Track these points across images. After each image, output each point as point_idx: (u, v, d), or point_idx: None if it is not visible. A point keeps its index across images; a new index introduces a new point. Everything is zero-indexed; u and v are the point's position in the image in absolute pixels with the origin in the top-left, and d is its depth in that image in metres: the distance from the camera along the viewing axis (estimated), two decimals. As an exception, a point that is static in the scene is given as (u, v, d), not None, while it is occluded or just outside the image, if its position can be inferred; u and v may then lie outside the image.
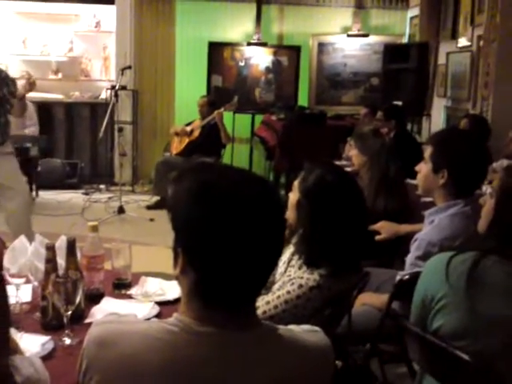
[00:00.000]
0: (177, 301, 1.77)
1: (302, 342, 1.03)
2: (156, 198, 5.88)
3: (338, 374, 1.71)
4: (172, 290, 1.83)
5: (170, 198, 0.99)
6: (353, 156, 2.99)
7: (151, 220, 5.35)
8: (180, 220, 0.96)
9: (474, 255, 1.45)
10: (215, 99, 6.30)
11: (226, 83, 7.26)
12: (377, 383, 2.25)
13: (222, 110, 5.96)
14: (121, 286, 1.91)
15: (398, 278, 2.01)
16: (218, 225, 0.91)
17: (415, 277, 1.70)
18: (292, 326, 1.07)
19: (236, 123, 6.75)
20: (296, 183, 1.80)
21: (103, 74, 7.12)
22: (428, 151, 2.11)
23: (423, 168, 2.12)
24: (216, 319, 0.95)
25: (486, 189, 1.72)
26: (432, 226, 2.04)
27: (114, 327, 0.97)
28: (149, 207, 5.83)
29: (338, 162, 3.72)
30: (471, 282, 1.41)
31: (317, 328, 1.09)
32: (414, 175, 2.82)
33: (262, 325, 1.01)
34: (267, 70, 7.35)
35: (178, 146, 6.13)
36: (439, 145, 2.08)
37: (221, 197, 0.93)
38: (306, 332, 1.06)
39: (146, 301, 1.80)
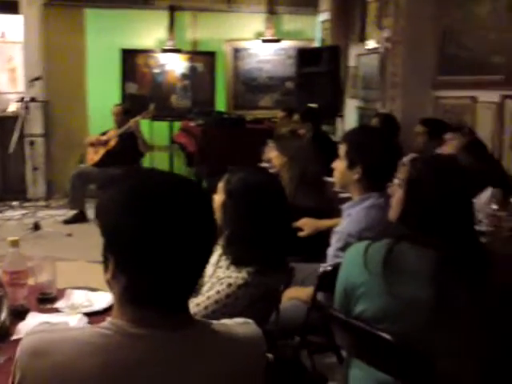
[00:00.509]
0: (105, 311, 1.75)
1: (236, 334, 1.06)
2: (73, 212, 5.71)
3: (270, 367, 1.76)
4: (99, 300, 1.81)
5: (98, 206, 0.99)
6: (273, 157, 3.07)
7: (69, 235, 5.18)
8: (109, 227, 0.96)
9: (388, 242, 1.54)
10: (130, 107, 6.22)
11: (141, 91, 7.18)
12: (307, 374, 2.32)
13: (139, 118, 5.90)
14: (46, 301, 1.86)
15: (321, 270, 2.09)
16: (148, 230, 0.92)
17: (337, 268, 1.78)
18: (225, 320, 1.10)
19: (154, 131, 6.70)
20: (220, 185, 1.84)
21: (10, 86, 6.84)
22: (342, 149, 2.21)
23: (339, 165, 2.23)
24: (149, 320, 0.96)
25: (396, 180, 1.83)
26: (350, 218, 2.14)
27: (46, 336, 0.96)
28: (66, 222, 5.64)
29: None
30: (387, 268, 1.51)
31: (249, 320, 1.13)
32: (331, 173, 2.92)
33: (195, 322, 1.03)
34: (183, 76, 7.35)
35: (93, 156, 5.98)
36: (352, 142, 2.19)
37: (149, 202, 0.94)
38: (238, 325, 1.10)
39: (73, 313, 1.76)
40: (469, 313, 1.47)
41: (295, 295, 2.32)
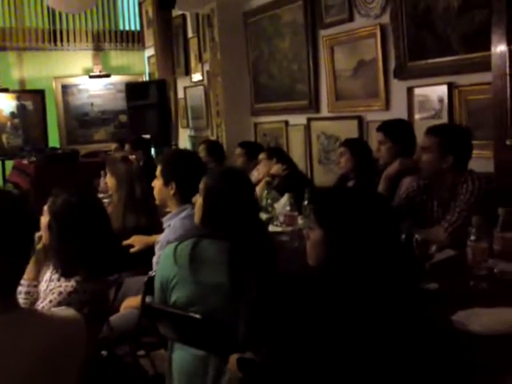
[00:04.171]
0: None
1: (58, 316, 1.31)
2: None
3: (105, 365, 1.99)
4: None
5: None
6: (107, 181, 3.32)
7: None
8: None
9: (193, 240, 1.89)
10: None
11: (-33, 132, 6.97)
12: (148, 376, 2.57)
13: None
14: None
15: (147, 276, 2.37)
16: None
17: (160, 272, 2.07)
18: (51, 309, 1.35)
19: (-15, 172, 6.53)
20: (46, 207, 2.05)
21: None
22: (158, 169, 2.53)
23: (157, 183, 2.54)
24: None
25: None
26: (169, 228, 2.45)
27: None
28: None
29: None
30: (192, 261, 1.85)
31: (70, 308, 1.38)
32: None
33: (22, 308, 1.27)
34: (12, 115, 7.26)
35: None
36: (165, 163, 2.52)
37: None
38: (60, 310, 1.35)
39: None
40: (257, 290, 1.85)
41: (129, 305, 2.57)
